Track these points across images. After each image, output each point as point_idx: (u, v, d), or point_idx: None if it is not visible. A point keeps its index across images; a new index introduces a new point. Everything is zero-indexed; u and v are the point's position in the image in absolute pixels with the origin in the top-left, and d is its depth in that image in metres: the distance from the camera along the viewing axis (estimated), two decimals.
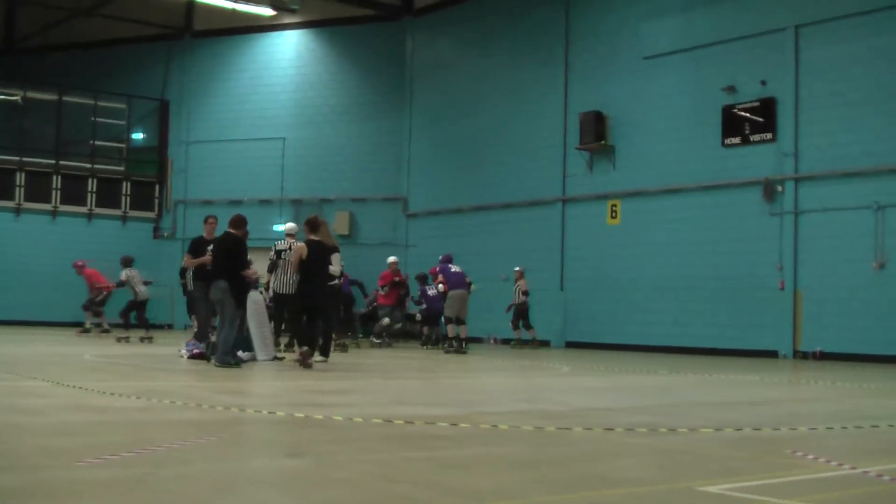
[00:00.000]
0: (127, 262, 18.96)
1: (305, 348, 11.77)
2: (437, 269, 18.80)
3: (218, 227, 13.36)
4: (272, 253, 15.71)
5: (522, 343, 21.48)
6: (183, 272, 14.86)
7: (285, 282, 15.09)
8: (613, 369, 13.97)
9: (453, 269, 18.38)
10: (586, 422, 6.71)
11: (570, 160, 22.82)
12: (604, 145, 21.88)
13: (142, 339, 18.08)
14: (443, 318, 19.06)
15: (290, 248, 15.13)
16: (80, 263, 20.40)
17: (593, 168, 22.38)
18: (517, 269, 21.79)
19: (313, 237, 12.18)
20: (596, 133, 21.80)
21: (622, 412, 7.71)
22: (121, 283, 18.94)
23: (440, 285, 18.74)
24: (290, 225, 17.01)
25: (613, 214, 22.01)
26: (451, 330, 18.23)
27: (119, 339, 18.07)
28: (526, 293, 21.48)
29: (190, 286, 13.77)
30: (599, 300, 21.97)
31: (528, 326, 21.40)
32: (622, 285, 21.57)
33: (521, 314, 21.42)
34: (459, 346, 17.97)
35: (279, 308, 15.36)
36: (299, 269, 12.00)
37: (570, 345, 22.16)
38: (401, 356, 16.44)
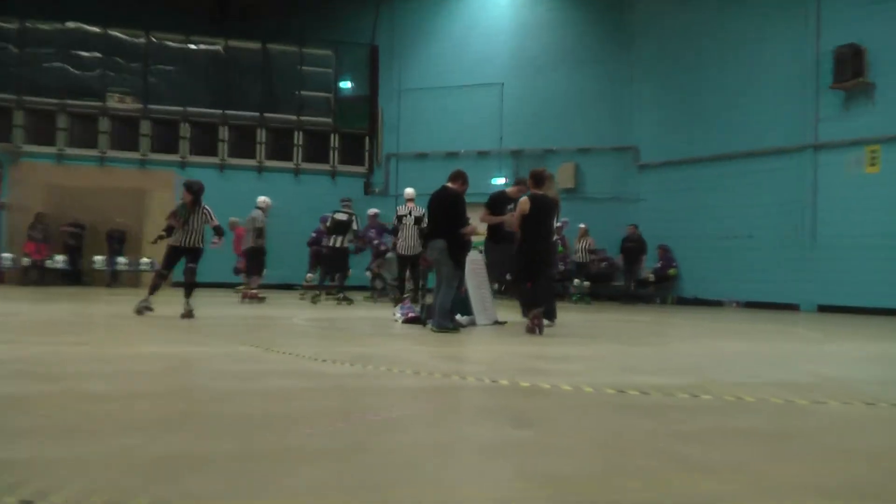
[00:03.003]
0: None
1: (538, 310, 11.72)
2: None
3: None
4: (395, 219, 17.61)
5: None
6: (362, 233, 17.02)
7: (406, 245, 17.19)
8: (874, 336, 13.24)
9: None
10: (844, 395, 6.40)
11: (823, 101, 21.64)
12: (862, 83, 20.59)
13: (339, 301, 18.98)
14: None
15: (409, 213, 17.24)
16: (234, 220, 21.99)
17: (849, 110, 21.13)
18: (581, 225, 22.78)
19: (538, 191, 12.18)
20: (853, 70, 20.53)
21: (888, 385, 7.30)
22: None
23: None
24: (409, 190, 18.18)
25: (873, 161, 20.71)
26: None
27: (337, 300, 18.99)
28: (593, 251, 22.78)
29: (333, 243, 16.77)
30: (856, 259, 20.79)
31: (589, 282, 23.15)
32: (882, 242, 20.31)
33: (586, 275, 23.01)
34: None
35: (401, 267, 17.80)
36: (522, 225, 12.01)
37: (823, 308, 21.17)
38: (626, 318, 16.27)
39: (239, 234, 21.13)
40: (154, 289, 13.22)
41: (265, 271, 19.30)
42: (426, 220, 13.52)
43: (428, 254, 12.12)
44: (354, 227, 19.10)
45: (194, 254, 13.28)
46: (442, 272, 11.88)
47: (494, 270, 13.99)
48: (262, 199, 19.08)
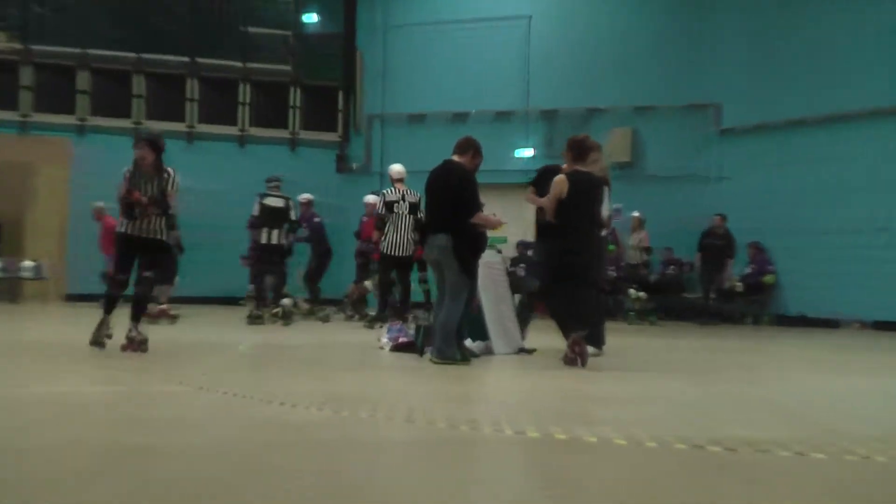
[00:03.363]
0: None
1: (579, 333, 11.58)
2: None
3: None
4: (380, 206, 17.98)
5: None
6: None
7: (398, 241, 17.60)
8: None
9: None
10: None
11: None
12: None
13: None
14: None
15: (402, 198, 17.65)
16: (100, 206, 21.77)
17: None
18: (635, 214, 23.17)
19: (579, 167, 12.12)
20: None
21: None
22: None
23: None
24: (398, 168, 18.39)
25: None
26: None
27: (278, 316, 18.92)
28: (648, 250, 23.28)
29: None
30: None
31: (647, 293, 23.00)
32: None
33: (636, 278, 23.26)
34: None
35: (386, 272, 18.16)
36: (557, 213, 11.95)
37: None
38: (703, 344, 16.22)
39: (108, 225, 20.82)
40: (110, 304, 12.59)
41: (176, 279, 19.31)
42: (423, 207, 13.47)
43: (426, 253, 12.08)
44: (293, 216, 19.16)
45: (152, 252, 12.67)
46: (445, 280, 11.84)
47: (535, 276, 13.85)
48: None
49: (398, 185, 17.89)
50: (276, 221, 18.92)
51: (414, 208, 17.30)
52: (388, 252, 17.68)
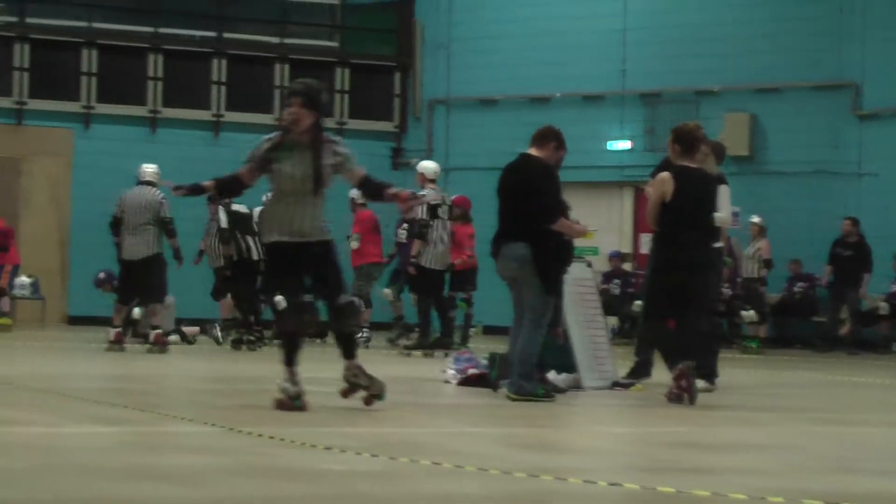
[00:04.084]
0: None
1: (686, 365, 11.52)
2: None
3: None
4: (422, 211, 17.81)
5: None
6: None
7: (438, 254, 17.97)
8: None
9: None
10: None
11: None
12: None
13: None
14: None
15: (443, 201, 18.22)
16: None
17: None
18: (754, 219, 23.40)
19: (686, 162, 12.08)
20: None
21: None
22: None
23: None
24: (429, 165, 18.85)
25: None
26: None
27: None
28: (768, 263, 23.35)
29: None
30: None
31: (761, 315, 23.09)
32: None
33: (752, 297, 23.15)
34: None
35: (420, 288, 18.50)
36: (659, 219, 11.90)
37: None
38: (837, 377, 16.11)
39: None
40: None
41: (169, 297, 19.45)
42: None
43: (499, 267, 12.06)
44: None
45: (321, 261, 11.38)
46: (523, 300, 11.82)
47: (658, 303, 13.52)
48: (149, 168, 19.04)
49: (429, 187, 18.13)
50: (244, 227, 19.05)
51: (434, 210, 17.69)
52: (431, 265, 17.98)
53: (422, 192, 16.21)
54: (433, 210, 17.77)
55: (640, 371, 13.46)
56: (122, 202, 18.30)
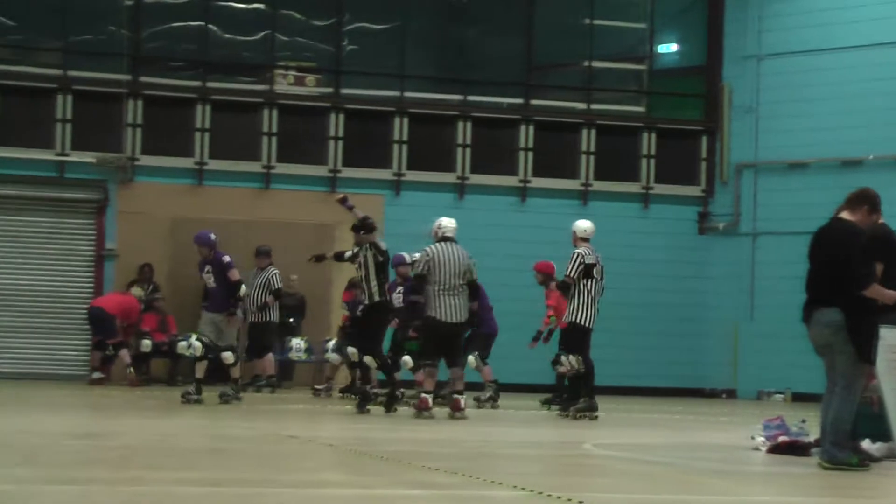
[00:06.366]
0: None
1: None
2: None
3: None
4: (572, 268, 17.94)
5: None
6: None
7: (592, 313, 18.01)
8: None
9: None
10: None
11: None
12: None
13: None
14: None
15: (597, 260, 18.09)
16: None
17: None
18: None
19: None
20: None
21: None
22: None
23: None
24: (581, 224, 18.67)
25: None
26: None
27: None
28: None
29: None
30: None
31: None
32: None
33: None
34: None
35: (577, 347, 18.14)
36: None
37: None
38: None
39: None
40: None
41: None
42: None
43: (812, 333, 11.82)
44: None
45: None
46: (836, 367, 11.60)
47: None
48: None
49: (584, 245, 18.19)
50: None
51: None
52: (586, 324, 18.10)
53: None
54: (588, 270, 17.89)
55: None
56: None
